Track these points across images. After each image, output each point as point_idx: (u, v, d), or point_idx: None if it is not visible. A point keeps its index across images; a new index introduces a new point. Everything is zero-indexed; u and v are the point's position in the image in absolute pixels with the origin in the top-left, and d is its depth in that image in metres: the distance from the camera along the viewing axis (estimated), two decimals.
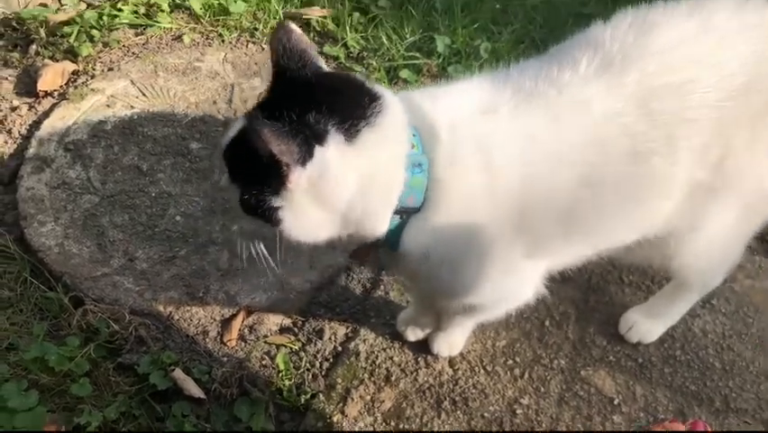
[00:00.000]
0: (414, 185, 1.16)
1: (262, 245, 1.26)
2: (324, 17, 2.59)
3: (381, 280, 1.89)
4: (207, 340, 1.77)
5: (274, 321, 1.82)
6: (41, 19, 2.50)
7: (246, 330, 1.79)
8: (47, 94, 2.29)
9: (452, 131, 1.19)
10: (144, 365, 1.67)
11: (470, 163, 1.18)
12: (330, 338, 1.78)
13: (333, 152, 1.08)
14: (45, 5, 2.60)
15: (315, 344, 1.77)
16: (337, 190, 1.12)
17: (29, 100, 2.29)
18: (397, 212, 1.19)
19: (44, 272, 1.84)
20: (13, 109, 2.25)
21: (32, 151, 2.08)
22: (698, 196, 1.33)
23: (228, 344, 1.76)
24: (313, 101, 1.10)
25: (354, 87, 1.17)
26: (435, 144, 1.18)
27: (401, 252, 1.24)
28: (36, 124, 2.18)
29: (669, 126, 1.23)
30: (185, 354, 1.73)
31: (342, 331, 1.79)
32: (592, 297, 1.87)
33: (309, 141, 1.06)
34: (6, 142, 2.15)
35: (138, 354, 1.70)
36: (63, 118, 2.18)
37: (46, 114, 2.21)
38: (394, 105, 1.16)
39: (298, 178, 1.08)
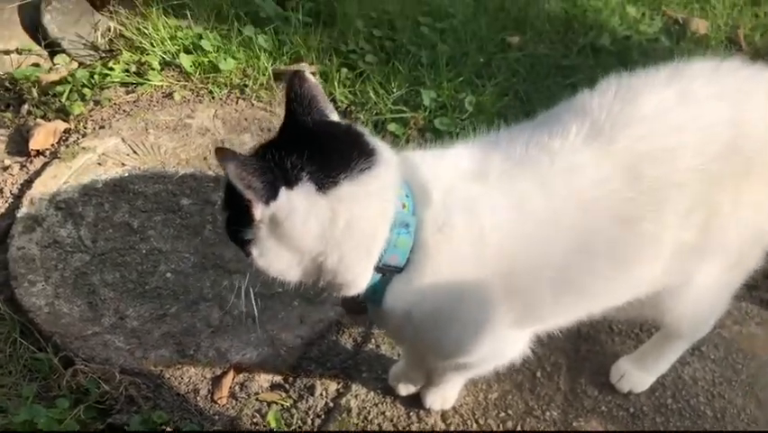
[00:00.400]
0: (398, 244, 1.18)
1: (248, 283, 1.29)
2: (313, 73, 2.64)
3: (372, 333, 1.90)
4: (198, 398, 1.76)
5: (265, 378, 1.81)
6: (33, 79, 2.54)
7: (237, 387, 1.79)
8: (39, 153, 2.32)
9: (443, 194, 1.21)
10: (135, 425, 1.66)
11: (459, 229, 1.20)
12: (321, 394, 1.77)
13: (300, 198, 1.12)
14: (37, 65, 2.65)
15: (307, 400, 1.76)
16: (303, 235, 1.15)
17: (20, 159, 2.31)
18: (378, 269, 1.21)
19: (34, 333, 1.84)
20: (5, 169, 2.27)
21: (23, 210, 2.10)
22: (685, 255, 1.36)
23: (219, 402, 1.75)
24: (299, 146, 1.14)
25: (347, 140, 1.19)
26: (426, 206, 1.20)
27: (384, 309, 1.26)
28: (28, 184, 2.20)
29: (657, 192, 1.27)
30: (176, 414, 1.72)
31: (333, 387, 1.79)
32: (583, 346, 1.88)
33: (277, 182, 1.10)
34: None
35: (128, 415, 1.69)
36: (55, 177, 2.20)
37: (38, 173, 2.23)
38: (386, 164, 1.18)
39: (261, 214, 1.12)
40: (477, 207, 1.21)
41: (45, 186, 2.17)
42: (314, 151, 1.14)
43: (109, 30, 2.77)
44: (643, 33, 3.03)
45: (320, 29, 2.83)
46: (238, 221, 1.16)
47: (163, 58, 2.65)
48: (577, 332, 1.90)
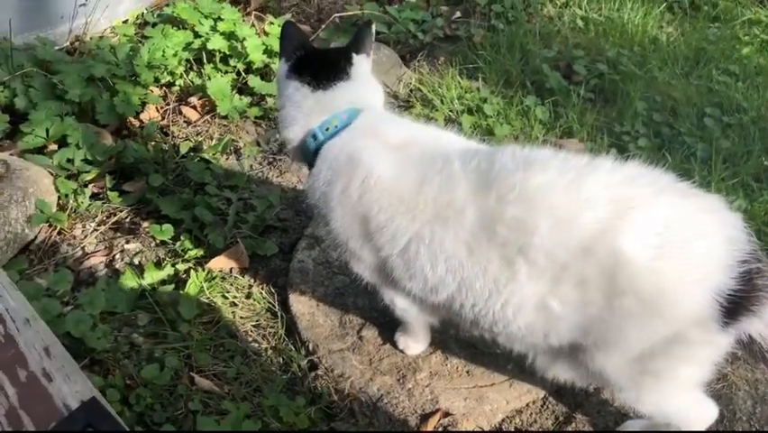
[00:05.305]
0: (307, 144, 1.84)
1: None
2: (581, 150, 2.75)
3: (575, 417, 1.97)
4: (406, 429, 2.00)
5: (467, 426, 1.99)
6: None
7: (440, 429, 2.00)
8: None
9: (349, 135, 1.79)
10: None
11: (333, 157, 1.79)
12: None
13: (295, 83, 1.87)
14: None
15: None
16: (284, 94, 1.91)
17: None
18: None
19: (294, 334, 2.24)
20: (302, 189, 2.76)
21: (309, 229, 2.54)
22: (555, 319, 1.54)
23: None
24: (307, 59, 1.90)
25: (328, 62, 1.87)
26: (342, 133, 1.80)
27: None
28: None
29: (506, 248, 1.50)
30: None
31: None
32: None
33: (294, 52, 1.89)
34: (292, 218, 2.65)
35: (347, 424, 2.00)
36: None
37: None
38: (348, 89, 1.84)
39: (280, 67, 1.94)
40: (358, 152, 1.72)
41: None
42: (311, 63, 1.88)
43: (411, 83, 3.17)
44: None
45: (598, 106, 2.91)
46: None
47: (449, 116, 2.96)
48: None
